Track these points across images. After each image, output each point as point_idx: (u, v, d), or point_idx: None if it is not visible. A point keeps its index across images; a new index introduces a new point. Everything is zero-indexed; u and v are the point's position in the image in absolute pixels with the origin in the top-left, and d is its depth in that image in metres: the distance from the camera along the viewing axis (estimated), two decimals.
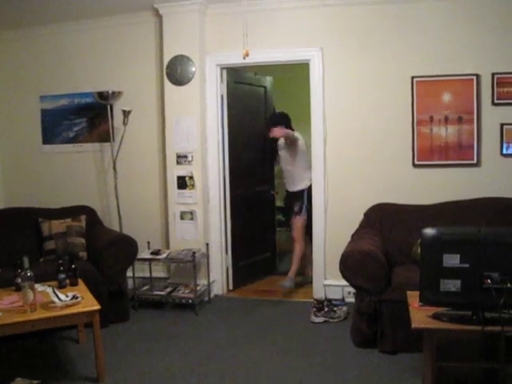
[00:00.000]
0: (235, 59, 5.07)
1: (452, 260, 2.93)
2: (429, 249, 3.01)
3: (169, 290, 5.41)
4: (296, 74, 6.20)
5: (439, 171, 4.99)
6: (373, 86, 5.11)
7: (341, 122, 5.22)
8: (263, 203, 6.39)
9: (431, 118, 4.94)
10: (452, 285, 2.95)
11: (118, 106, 5.58)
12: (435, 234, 2.99)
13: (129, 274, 5.27)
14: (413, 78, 4.94)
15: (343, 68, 5.19)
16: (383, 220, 4.84)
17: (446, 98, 4.89)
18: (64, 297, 3.80)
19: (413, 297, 3.31)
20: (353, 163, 5.20)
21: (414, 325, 3.02)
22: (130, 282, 5.33)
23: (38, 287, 3.92)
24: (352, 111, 5.18)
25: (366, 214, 4.97)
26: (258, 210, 6.28)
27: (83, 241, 5.23)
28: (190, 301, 5.20)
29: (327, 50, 5.18)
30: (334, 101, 5.22)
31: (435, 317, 3.07)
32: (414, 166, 5.05)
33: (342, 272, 4.19)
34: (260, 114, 6.30)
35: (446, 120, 4.91)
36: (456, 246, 2.95)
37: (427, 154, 5.00)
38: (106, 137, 5.73)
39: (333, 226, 5.34)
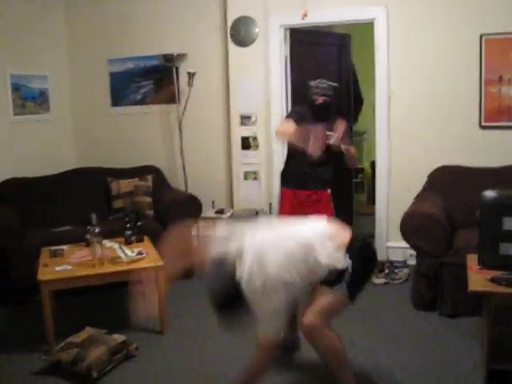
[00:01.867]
0: (298, 20, 5.03)
1: None
2: (489, 211, 2.96)
3: None
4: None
5: (507, 133, 4.81)
6: (439, 45, 4.95)
7: (405, 82, 5.11)
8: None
9: (500, 78, 4.75)
10: None
11: (183, 68, 5.65)
12: (496, 197, 2.94)
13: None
14: (481, 35, 4.75)
15: (408, 26, 5.04)
16: (447, 182, 4.75)
17: None
18: (130, 252, 3.97)
19: (472, 259, 3.27)
20: (417, 124, 5.10)
21: (470, 287, 2.99)
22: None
23: (106, 243, 4.12)
24: (417, 71, 5.05)
25: (429, 176, 4.90)
26: None
27: (150, 200, 5.40)
28: None
29: (392, 8, 5.04)
30: (398, 60, 5.10)
31: (494, 280, 3.01)
32: (481, 127, 4.90)
33: (402, 233, 4.18)
34: (332, 73, 6.17)
35: None
36: None
37: (495, 115, 4.82)
38: (171, 98, 5.83)
39: (396, 188, 5.28)
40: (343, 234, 2.98)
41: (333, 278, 2.87)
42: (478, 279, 3.09)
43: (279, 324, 2.79)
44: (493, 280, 3.03)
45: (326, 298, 2.93)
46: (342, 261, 2.84)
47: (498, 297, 3.02)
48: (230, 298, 2.75)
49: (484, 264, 3.03)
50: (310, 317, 2.89)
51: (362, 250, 3.01)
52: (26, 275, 4.15)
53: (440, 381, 3.17)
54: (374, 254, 3.18)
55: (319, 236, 2.87)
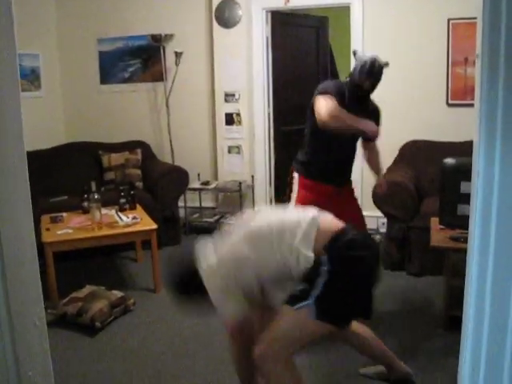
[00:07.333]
0: (279, 3, 5.37)
1: (469, 187, 3.26)
2: (448, 176, 3.36)
3: (217, 217, 5.91)
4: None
5: (471, 110, 5.14)
6: (410, 29, 5.31)
7: None
8: None
9: (466, 60, 5.15)
10: (468, 209, 3.28)
11: (171, 48, 5.94)
12: (454, 163, 3.34)
13: (181, 203, 5.78)
14: (449, 20, 5.13)
15: (382, 11, 5.39)
16: (417, 155, 5.14)
17: None
18: (126, 218, 4.31)
19: (435, 221, 3.68)
20: (390, 103, 5.41)
21: (432, 243, 3.40)
22: (181, 211, 5.84)
23: (103, 210, 4.44)
24: (389, 52, 5.36)
25: (400, 150, 5.29)
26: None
27: (139, 172, 5.73)
28: None
29: None
30: (372, 42, 5.45)
31: (452, 238, 3.43)
32: (448, 105, 5.31)
33: (374, 201, 4.56)
34: (311, 54, 6.63)
35: None
36: None
37: (461, 94, 5.23)
38: (159, 77, 6.13)
39: None
40: (331, 226, 2.35)
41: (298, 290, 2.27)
42: (440, 237, 3.50)
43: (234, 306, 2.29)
44: (452, 238, 3.45)
45: (284, 321, 2.27)
46: (309, 260, 2.21)
47: (456, 252, 3.43)
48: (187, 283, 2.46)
49: (444, 223, 3.44)
50: (262, 346, 2.24)
51: (349, 248, 2.29)
52: None
53: (405, 327, 3.60)
54: (370, 255, 2.38)
55: (293, 223, 2.32)
